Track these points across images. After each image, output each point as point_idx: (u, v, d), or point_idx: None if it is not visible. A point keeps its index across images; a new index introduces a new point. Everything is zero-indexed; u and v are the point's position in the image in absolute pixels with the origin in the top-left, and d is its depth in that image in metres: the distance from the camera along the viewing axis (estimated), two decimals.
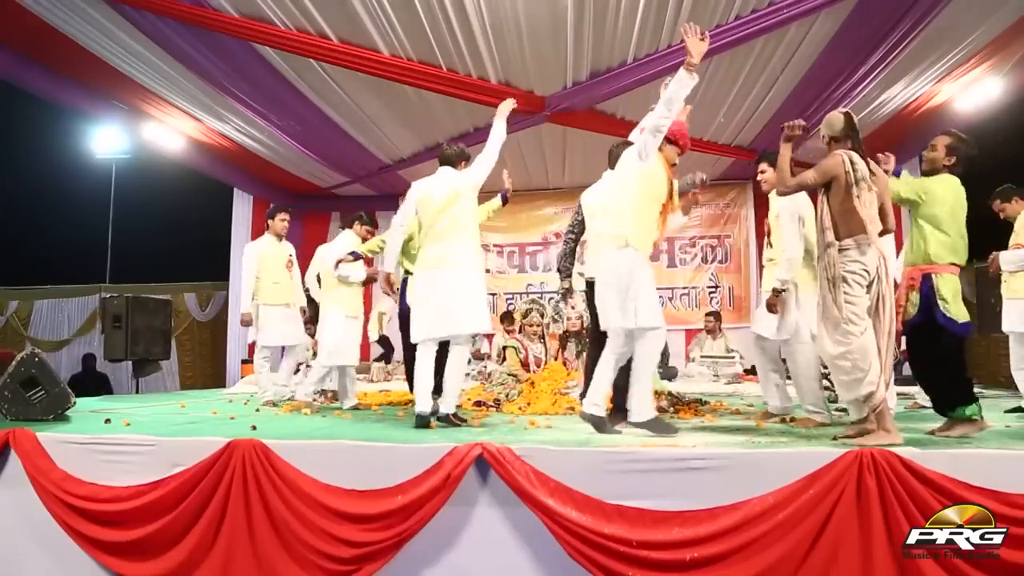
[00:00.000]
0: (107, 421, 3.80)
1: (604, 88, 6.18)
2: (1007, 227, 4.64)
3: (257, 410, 4.88)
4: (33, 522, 3.04)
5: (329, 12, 5.20)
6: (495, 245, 10.07)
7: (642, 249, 3.26)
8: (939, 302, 3.12)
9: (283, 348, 5.73)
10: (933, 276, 3.15)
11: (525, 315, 6.70)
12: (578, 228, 4.07)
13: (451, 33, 5.41)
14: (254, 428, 3.37)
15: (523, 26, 5.33)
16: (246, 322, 5.28)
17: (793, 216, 3.67)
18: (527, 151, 8.25)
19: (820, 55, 5.75)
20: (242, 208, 9.69)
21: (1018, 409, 4.40)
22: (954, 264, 3.19)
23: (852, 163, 2.95)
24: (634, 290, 3.19)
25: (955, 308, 3.12)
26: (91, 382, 9.29)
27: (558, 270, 4.23)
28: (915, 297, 3.20)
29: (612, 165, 3.76)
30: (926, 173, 3.34)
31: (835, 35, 5.42)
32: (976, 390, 5.96)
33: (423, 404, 3.66)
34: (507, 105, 4.01)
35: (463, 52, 5.71)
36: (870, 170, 3.01)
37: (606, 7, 5.10)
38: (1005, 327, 4.65)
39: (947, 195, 3.20)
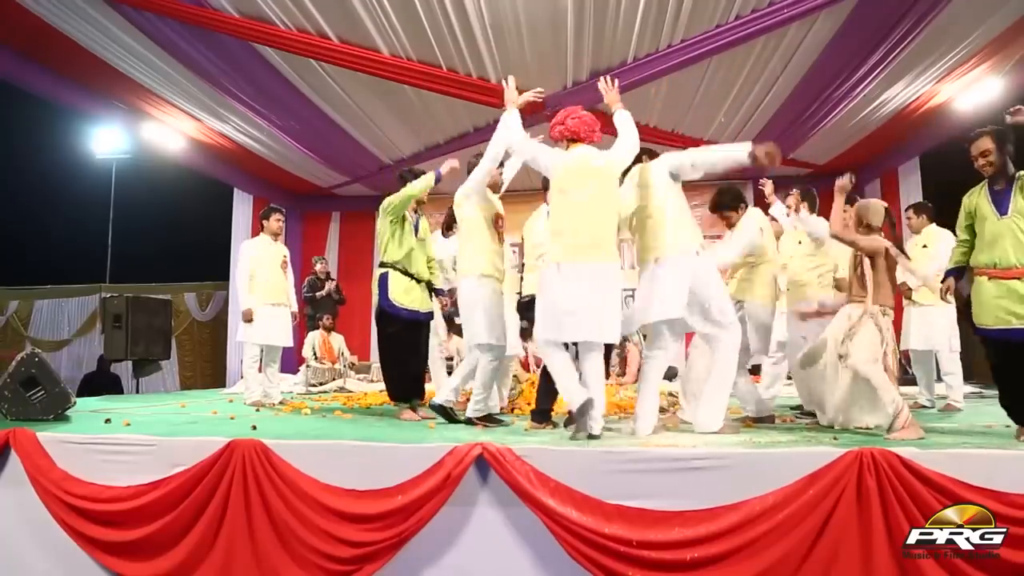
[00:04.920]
0: (107, 421, 3.80)
1: None
2: None
3: (257, 410, 4.88)
4: (33, 522, 3.04)
5: (329, 12, 5.20)
6: None
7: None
8: None
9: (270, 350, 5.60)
10: None
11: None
12: None
13: (451, 33, 5.41)
14: (254, 428, 3.37)
15: (523, 26, 5.33)
16: (248, 318, 5.22)
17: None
18: None
19: (820, 55, 5.75)
20: (242, 208, 9.69)
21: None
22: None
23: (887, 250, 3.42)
24: None
25: None
26: (106, 381, 9.23)
27: None
28: None
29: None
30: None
31: (835, 35, 5.42)
32: (976, 390, 5.95)
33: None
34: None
35: (463, 52, 5.71)
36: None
37: (606, 7, 5.10)
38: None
39: None
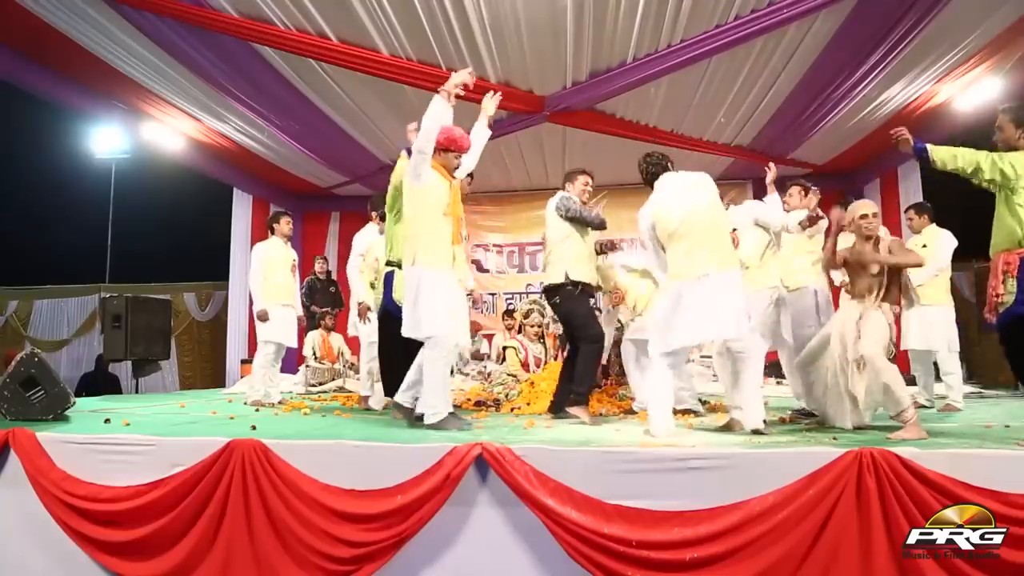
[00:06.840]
0: (107, 421, 3.80)
1: (604, 88, 6.18)
2: None
3: (257, 410, 4.88)
4: (33, 522, 3.04)
5: (329, 12, 5.20)
6: (495, 245, 10.08)
7: (430, 263, 3.48)
8: None
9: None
10: None
11: (526, 315, 6.71)
12: None
13: (451, 33, 5.41)
14: (254, 428, 3.37)
15: (523, 26, 5.33)
16: (264, 317, 5.32)
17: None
18: (527, 151, 8.25)
19: (820, 55, 5.75)
20: (242, 208, 9.67)
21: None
22: None
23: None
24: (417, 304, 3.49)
25: None
26: (104, 381, 9.22)
27: None
28: (1011, 284, 2.95)
29: (647, 181, 3.63)
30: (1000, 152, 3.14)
31: (835, 35, 5.42)
32: (976, 390, 5.94)
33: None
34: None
35: (463, 52, 5.71)
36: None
37: (606, 7, 5.09)
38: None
39: None
